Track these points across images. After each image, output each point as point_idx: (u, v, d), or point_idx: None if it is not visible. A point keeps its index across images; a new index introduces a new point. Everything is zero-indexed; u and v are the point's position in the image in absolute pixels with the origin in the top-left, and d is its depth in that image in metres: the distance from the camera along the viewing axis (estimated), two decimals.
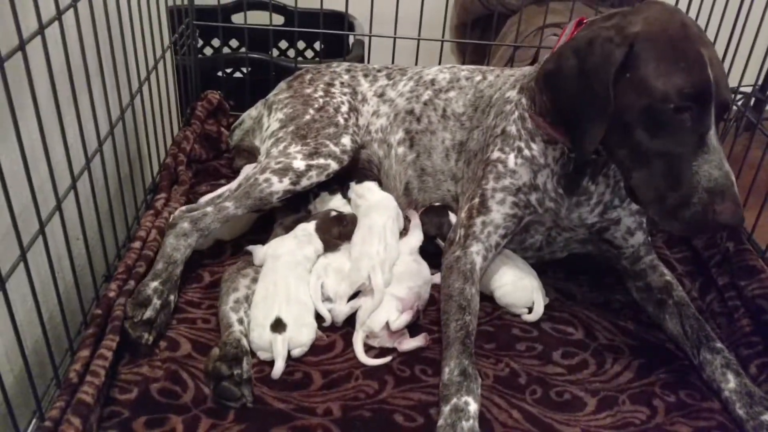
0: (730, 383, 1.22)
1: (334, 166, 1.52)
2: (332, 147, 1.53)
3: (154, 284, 1.29)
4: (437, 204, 1.57)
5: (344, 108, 1.65)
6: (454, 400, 1.14)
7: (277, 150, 1.53)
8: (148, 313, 1.25)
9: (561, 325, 1.40)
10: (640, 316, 1.44)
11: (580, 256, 1.55)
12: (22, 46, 0.94)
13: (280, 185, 1.46)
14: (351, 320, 1.34)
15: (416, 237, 1.50)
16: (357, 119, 1.67)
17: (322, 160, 1.50)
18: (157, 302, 1.27)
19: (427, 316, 1.39)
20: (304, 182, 1.48)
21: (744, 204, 1.54)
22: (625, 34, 1.16)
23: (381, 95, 1.73)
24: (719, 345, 1.28)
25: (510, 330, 1.38)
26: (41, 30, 1.00)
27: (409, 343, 1.30)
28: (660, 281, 1.43)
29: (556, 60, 1.24)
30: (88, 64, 1.21)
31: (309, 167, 1.49)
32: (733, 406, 1.20)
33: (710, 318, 1.44)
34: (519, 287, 1.41)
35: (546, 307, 1.43)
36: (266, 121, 1.70)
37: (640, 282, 1.46)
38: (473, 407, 1.13)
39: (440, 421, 1.12)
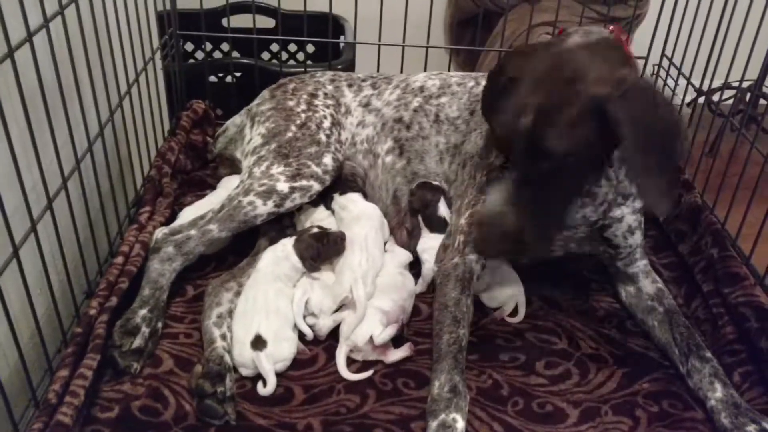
0: (717, 393, 1.21)
1: (316, 187, 1.53)
2: (314, 168, 1.53)
3: (143, 312, 1.29)
4: (436, 183, 1.57)
5: (326, 123, 1.64)
6: (442, 416, 1.14)
7: (259, 170, 1.53)
8: (137, 342, 1.25)
9: (544, 335, 1.39)
10: (624, 323, 1.44)
11: (570, 260, 1.55)
12: None
13: (264, 208, 1.47)
14: (334, 333, 1.34)
15: (405, 253, 1.50)
16: (339, 134, 1.67)
17: (305, 182, 1.51)
18: (146, 330, 1.27)
19: (411, 327, 1.39)
20: (288, 204, 1.49)
21: (731, 202, 1.55)
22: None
23: (366, 105, 1.72)
24: (708, 354, 1.27)
25: (494, 340, 1.37)
26: (11, 53, 1.00)
27: (395, 354, 1.30)
28: (652, 288, 1.43)
29: None
30: (67, 80, 1.20)
31: (292, 189, 1.49)
32: (718, 416, 1.19)
33: (695, 325, 1.43)
34: (504, 286, 1.42)
35: (530, 315, 1.43)
36: (248, 132, 1.69)
37: (631, 286, 1.46)
38: (461, 425, 1.13)
39: None
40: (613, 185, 1.34)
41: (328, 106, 1.69)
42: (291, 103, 1.67)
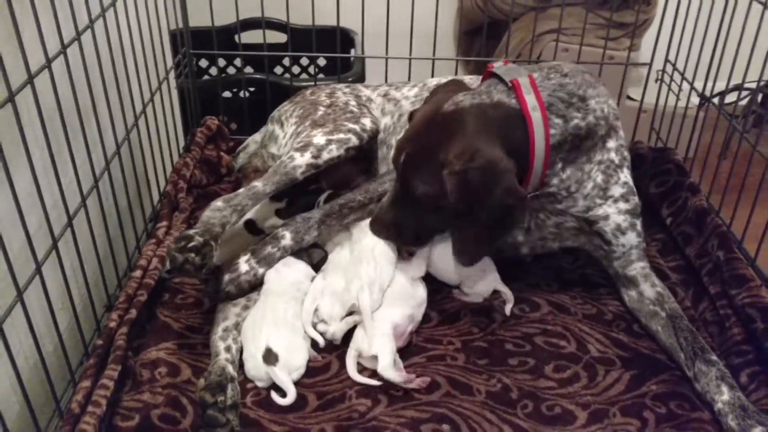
0: (724, 396, 1.22)
1: (354, 140, 1.56)
2: (352, 125, 1.58)
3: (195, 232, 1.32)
4: None
5: (353, 103, 1.70)
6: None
7: (298, 139, 1.60)
8: (194, 243, 1.29)
9: (553, 339, 1.41)
10: (632, 326, 1.46)
11: (575, 267, 1.57)
12: (11, 98, 0.99)
13: (301, 159, 1.51)
14: (347, 339, 1.37)
15: (418, 267, 1.48)
16: (370, 111, 1.72)
17: (342, 135, 1.55)
18: (199, 239, 1.30)
19: (421, 334, 1.42)
20: (325, 156, 1.53)
21: (736, 204, 1.57)
22: None
23: (385, 95, 1.78)
24: (714, 357, 1.29)
25: (503, 345, 1.40)
26: (30, 79, 1.05)
27: (399, 377, 1.26)
28: (652, 292, 1.44)
29: None
30: (84, 103, 1.25)
31: (329, 141, 1.53)
32: (726, 418, 1.20)
33: (702, 327, 1.45)
34: (485, 274, 1.47)
35: (539, 320, 1.46)
36: (281, 131, 1.75)
37: (632, 290, 1.48)
38: (288, 239, 1.45)
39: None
40: (578, 196, 1.41)
41: (348, 96, 1.75)
42: (313, 98, 1.74)
